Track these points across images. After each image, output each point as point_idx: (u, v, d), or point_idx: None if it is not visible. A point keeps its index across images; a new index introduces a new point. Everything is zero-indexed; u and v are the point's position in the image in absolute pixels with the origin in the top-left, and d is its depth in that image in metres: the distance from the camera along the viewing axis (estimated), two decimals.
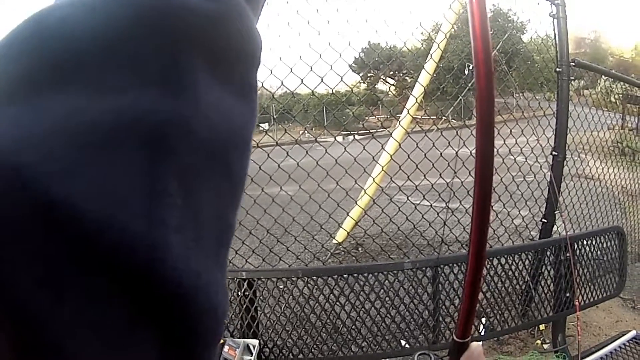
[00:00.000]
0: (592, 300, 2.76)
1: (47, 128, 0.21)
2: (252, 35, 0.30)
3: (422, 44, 2.76)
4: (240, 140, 0.28)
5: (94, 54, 0.23)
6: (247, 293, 2.04)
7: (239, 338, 2.04)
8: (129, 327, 0.22)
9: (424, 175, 2.39)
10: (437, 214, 2.46)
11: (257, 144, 2.06)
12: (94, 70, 0.23)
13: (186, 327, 0.24)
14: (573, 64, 2.82)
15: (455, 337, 0.62)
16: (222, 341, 1.95)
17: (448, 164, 2.34)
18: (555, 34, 2.77)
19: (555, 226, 2.89)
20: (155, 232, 0.22)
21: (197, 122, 0.25)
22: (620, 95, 6.15)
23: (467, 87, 2.78)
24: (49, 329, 0.20)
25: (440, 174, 2.42)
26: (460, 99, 2.82)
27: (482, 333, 2.44)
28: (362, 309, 2.09)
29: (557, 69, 2.78)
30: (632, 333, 2.21)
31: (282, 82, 2.40)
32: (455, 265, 2.16)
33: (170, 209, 0.23)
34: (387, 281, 2.05)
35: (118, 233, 0.21)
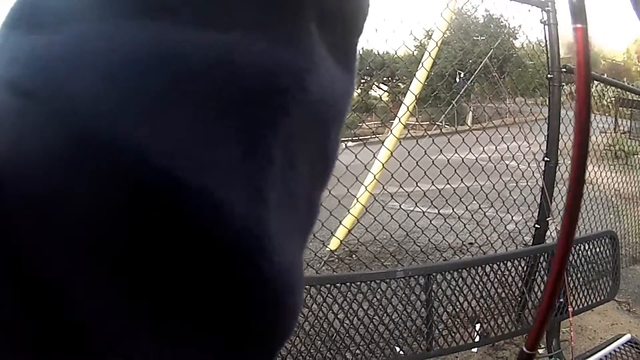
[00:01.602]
0: (586, 304, 2.76)
1: (128, 59, 0.17)
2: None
3: (414, 51, 2.77)
4: (340, 113, 0.24)
5: None
6: None
7: None
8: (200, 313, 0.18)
9: (416, 183, 2.40)
10: (430, 221, 2.47)
11: None
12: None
13: (268, 324, 0.20)
14: (564, 70, 2.84)
15: (524, 349, 0.60)
16: None
17: (440, 171, 2.36)
18: (546, 41, 2.78)
19: (548, 231, 2.90)
20: (256, 212, 0.18)
21: (312, 79, 0.21)
22: (613, 99, 6.19)
23: (459, 94, 2.79)
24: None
25: (432, 181, 2.43)
26: (453, 106, 2.84)
27: (477, 339, 2.44)
28: (356, 316, 2.09)
29: (549, 75, 2.79)
30: (627, 337, 2.22)
31: None
32: (447, 273, 2.16)
33: (272, 185, 0.19)
34: (380, 289, 2.05)
35: (211, 207, 0.17)
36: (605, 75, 4.73)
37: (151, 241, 0.17)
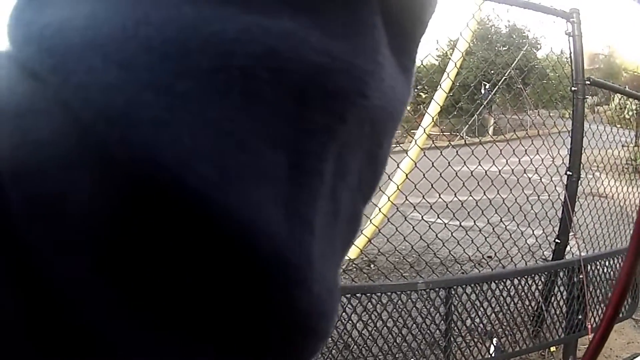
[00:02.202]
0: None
1: (141, 43, 0.14)
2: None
3: (437, 60, 2.75)
4: (395, 121, 0.21)
5: None
6: None
7: None
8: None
9: (439, 194, 2.38)
10: (452, 233, 2.46)
11: None
12: None
13: (296, 347, 0.18)
14: (588, 82, 2.80)
15: None
16: None
17: (463, 183, 2.34)
18: (570, 52, 2.75)
19: (568, 246, 2.87)
20: (299, 236, 0.16)
21: (374, 84, 0.18)
22: (635, 112, 6.10)
23: (483, 105, 2.77)
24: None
25: (455, 193, 2.41)
26: (475, 117, 2.82)
27: (493, 354, 2.43)
28: (375, 327, 2.08)
29: (573, 88, 2.76)
30: None
31: None
32: (468, 286, 2.15)
33: (319, 203, 0.17)
34: (400, 300, 2.05)
35: (241, 229, 0.15)
36: (627, 88, 4.67)
37: (168, 256, 0.15)
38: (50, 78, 0.15)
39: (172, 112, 0.14)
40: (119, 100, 0.14)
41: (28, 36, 0.16)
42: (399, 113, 0.21)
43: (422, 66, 2.64)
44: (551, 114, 3.49)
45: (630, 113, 5.77)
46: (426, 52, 2.48)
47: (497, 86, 3.20)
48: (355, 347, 2.10)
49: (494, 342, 2.42)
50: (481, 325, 2.33)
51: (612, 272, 2.79)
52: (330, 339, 2.08)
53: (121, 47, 0.14)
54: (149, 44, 0.14)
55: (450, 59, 2.81)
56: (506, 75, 2.99)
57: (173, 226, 0.15)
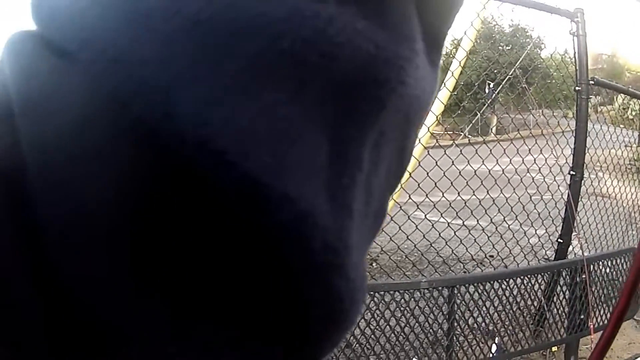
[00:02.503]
0: (606, 322, 2.74)
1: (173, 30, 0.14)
2: None
3: (442, 59, 2.75)
4: (424, 111, 0.21)
5: None
6: None
7: None
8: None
9: (443, 193, 2.38)
10: (455, 232, 2.46)
11: None
12: None
13: (326, 337, 0.17)
14: (592, 82, 2.80)
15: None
16: None
17: (467, 182, 2.34)
18: (575, 52, 2.74)
19: (571, 246, 2.87)
20: (342, 224, 0.16)
21: (411, 71, 0.17)
22: (638, 112, 6.10)
23: (486, 104, 2.76)
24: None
25: (458, 192, 2.42)
26: (479, 116, 2.81)
27: (495, 354, 2.43)
28: (377, 326, 2.08)
29: (577, 88, 2.76)
30: None
31: None
32: (471, 285, 2.16)
33: (359, 191, 0.17)
34: (403, 299, 2.05)
35: (292, 219, 0.14)
36: (630, 88, 4.67)
37: (206, 242, 0.14)
38: (81, 54, 0.14)
39: (224, 91, 0.13)
40: (164, 75, 0.13)
41: (55, 10, 0.15)
42: (428, 103, 0.20)
43: None
44: (555, 114, 3.49)
45: (634, 113, 5.76)
46: None
47: (501, 85, 3.19)
48: (357, 345, 2.10)
49: (496, 341, 2.42)
50: (483, 324, 2.33)
51: (614, 273, 2.79)
52: None
53: (166, 19, 0.14)
54: (196, 19, 0.14)
55: (454, 57, 2.80)
56: (510, 74, 2.99)
57: (218, 212, 0.14)
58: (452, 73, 2.49)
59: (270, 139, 0.14)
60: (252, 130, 0.14)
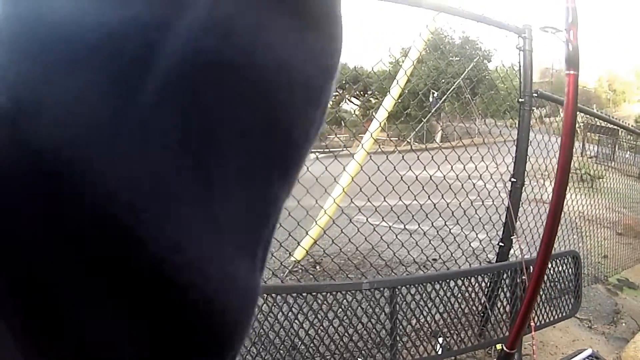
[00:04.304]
0: (548, 320, 2.85)
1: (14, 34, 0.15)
2: None
3: (389, 67, 2.83)
4: (299, 85, 0.18)
5: None
6: None
7: None
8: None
9: (384, 197, 2.44)
10: (396, 235, 2.52)
11: None
12: None
13: (221, 342, 0.19)
14: (536, 95, 2.92)
15: (505, 348, 0.64)
16: None
17: (408, 187, 2.41)
18: (520, 66, 2.86)
19: (512, 249, 2.98)
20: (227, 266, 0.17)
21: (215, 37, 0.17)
22: (581, 124, 6.42)
23: (431, 112, 2.86)
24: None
25: (400, 197, 2.48)
26: (423, 123, 2.91)
27: (439, 352, 2.49)
28: (321, 327, 2.11)
29: (520, 99, 2.87)
30: (588, 351, 2.28)
31: None
32: (412, 286, 2.21)
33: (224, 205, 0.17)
34: (345, 300, 2.08)
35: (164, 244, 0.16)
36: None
37: (103, 279, 0.16)
38: None
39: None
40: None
41: None
42: (301, 79, 0.19)
43: (372, 72, 2.72)
44: (498, 124, 3.63)
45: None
46: (378, 59, 2.56)
47: (446, 95, 3.30)
48: (302, 347, 2.12)
49: (440, 340, 2.48)
50: (427, 325, 2.38)
51: (555, 274, 2.91)
52: (278, 338, 2.10)
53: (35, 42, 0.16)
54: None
55: (401, 66, 2.88)
56: (455, 84, 3.11)
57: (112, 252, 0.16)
58: (397, 81, 2.57)
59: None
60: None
